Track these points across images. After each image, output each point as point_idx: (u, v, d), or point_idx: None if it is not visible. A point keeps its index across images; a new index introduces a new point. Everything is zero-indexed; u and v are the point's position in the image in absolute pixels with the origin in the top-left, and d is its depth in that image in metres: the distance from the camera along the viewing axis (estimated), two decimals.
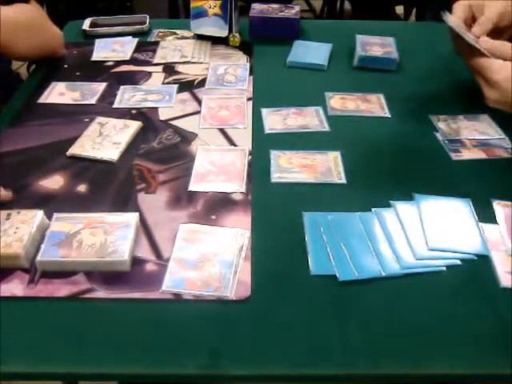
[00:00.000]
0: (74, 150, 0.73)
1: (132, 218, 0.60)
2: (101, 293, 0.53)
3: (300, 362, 0.48)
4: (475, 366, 0.48)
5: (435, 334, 0.50)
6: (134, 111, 0.82)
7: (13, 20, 0.84)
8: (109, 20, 1.10)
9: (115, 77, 0.92)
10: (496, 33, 0.73)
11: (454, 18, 0.74)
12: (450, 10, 0.76)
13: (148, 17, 1.11)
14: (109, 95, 0.86)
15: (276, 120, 0.80)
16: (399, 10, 2.13)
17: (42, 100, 0.85)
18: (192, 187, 0.67)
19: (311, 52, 0.99)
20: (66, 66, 0.96)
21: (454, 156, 0.72)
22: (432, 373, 0.48)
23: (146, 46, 1.03)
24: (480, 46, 0.67)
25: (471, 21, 0.75)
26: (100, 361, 0.48)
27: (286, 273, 0.56)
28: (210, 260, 0.56)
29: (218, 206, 0.64)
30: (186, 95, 0.87)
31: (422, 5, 1.94)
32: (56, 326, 0.51)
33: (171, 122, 0.80)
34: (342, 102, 0.85)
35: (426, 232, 0.59)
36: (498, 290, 0.54)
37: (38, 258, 0.55)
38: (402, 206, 0.63)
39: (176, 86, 0.89)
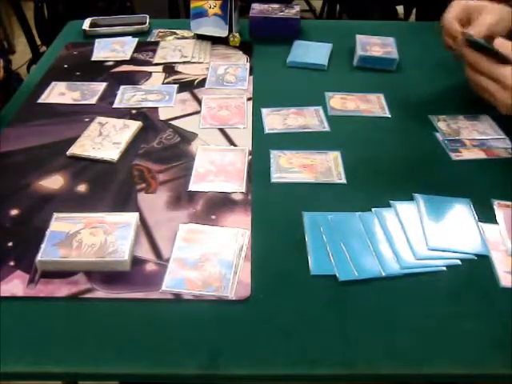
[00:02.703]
0: (74, 150, 0.73)
1: (132, 217, 0.60)
2: (101, 293, 0.53)
3: (300, 362, 0.48)
4: (475, 366, 0.48)
5: (435, 334, 0.50)
6: (134, 111, 0.82)
7: None
8: (109, 20, 1.10)
9: (115, 77, 0.92)
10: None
11: (450, 15, 0.74)
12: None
13: (148, 17, 1.11)
14: (109, 95, 0.86)
15: (276, 120, 0.80)
16: (399, 10, 2.12)
17: (41, 100, 0.85)
18: (192, 187, 0.67)
19: (311, 52, 0.99)
20: (66, 66, 0.96)
21: (453, 156, 0.72)
22: (432, 373, 0.48)
23: (146, 46, 1.03)
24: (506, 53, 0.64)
25: (466, 22, 0.75)
26: (100, 361, 0.48)
27: (286, 273, 0.56)
28: (210, 260, 0.56)
29: (217, 205, 0.64)
30: (185, 95, 0.87)
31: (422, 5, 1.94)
32: (56, 325, 0.51)
33: (171, 122, 0.80)
34: (342, 102, 0.85)
35: (426, 232, 0.59)
36: (497, 289, 0.54)
37: (38, 258, 0.55)
38: (401, 206, 0.63)
39: (176, 86, 0.89)
